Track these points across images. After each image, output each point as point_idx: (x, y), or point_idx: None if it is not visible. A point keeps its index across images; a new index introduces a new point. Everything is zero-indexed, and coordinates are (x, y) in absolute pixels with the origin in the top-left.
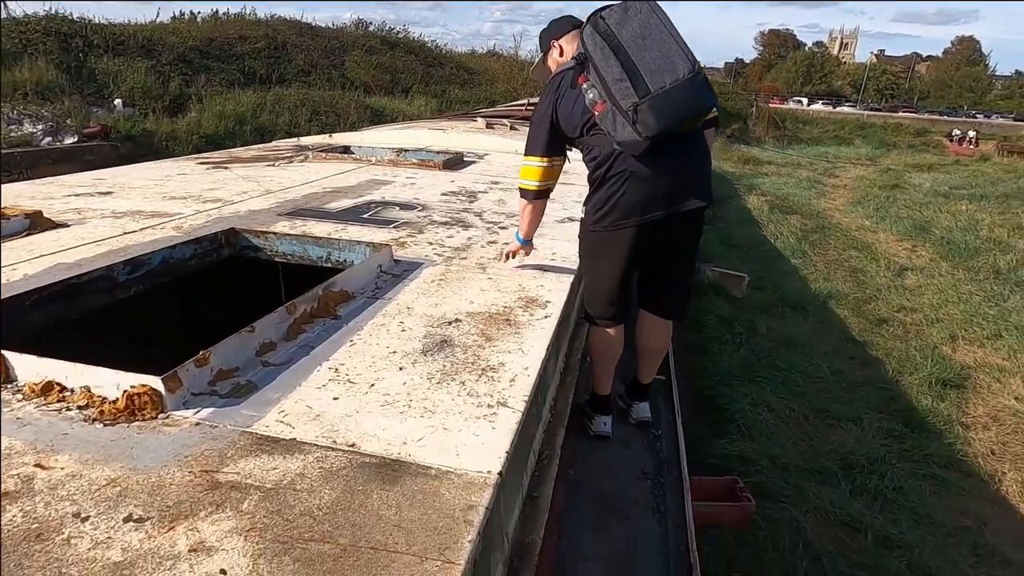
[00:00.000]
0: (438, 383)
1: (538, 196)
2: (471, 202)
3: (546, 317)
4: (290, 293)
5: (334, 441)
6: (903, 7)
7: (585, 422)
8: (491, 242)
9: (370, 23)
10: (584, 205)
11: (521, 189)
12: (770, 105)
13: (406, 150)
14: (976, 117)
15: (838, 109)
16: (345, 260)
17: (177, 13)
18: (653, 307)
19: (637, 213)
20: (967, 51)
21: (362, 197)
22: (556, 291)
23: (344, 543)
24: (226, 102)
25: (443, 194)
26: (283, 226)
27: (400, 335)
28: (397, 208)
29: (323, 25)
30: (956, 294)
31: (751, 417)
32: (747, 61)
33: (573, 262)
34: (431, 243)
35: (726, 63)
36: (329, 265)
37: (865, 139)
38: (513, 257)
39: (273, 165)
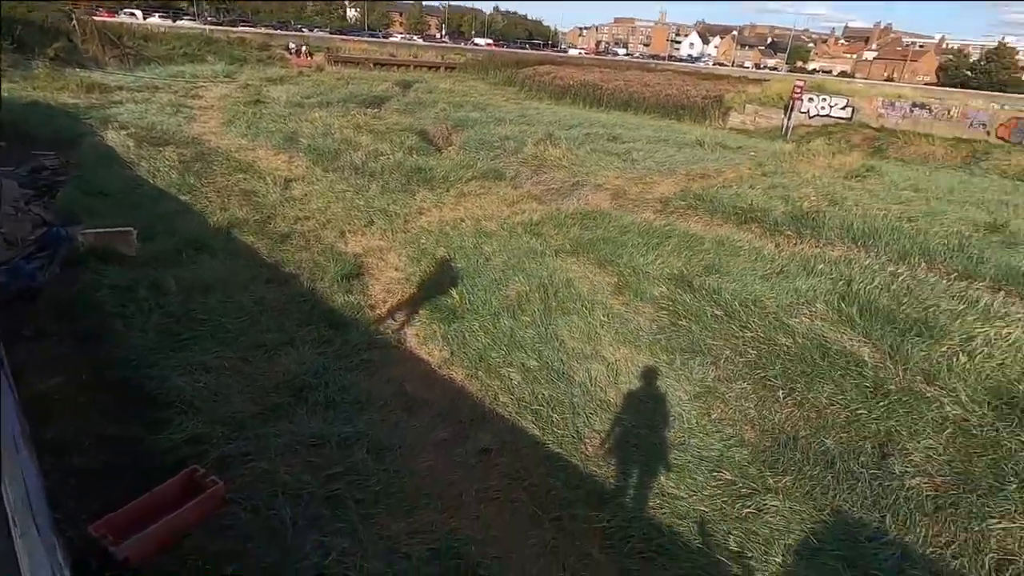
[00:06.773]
0: None
1: None
2: None
3: None
4: None
5: None
6: None
7: None
8: None
9: None
10: None
11: None
12: (95, 18)
13: None
14: (302, 31)
15: (178, 23)
16: None
17: None
18: None
19: None
20: None
21: None
22: None
23: None
24: None
25: None
26: None
27: None
28: None
29: None
30: (334, 194)
31: (189, 389)
32: None
33: None
34: None
35: None
36: None
37: (216, 55)
38: None
39: None
